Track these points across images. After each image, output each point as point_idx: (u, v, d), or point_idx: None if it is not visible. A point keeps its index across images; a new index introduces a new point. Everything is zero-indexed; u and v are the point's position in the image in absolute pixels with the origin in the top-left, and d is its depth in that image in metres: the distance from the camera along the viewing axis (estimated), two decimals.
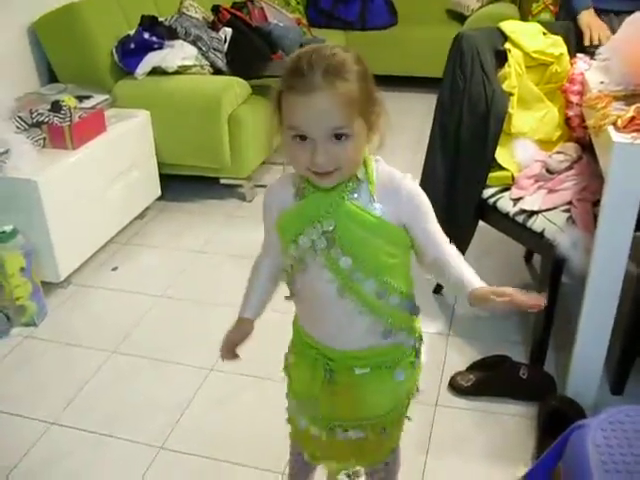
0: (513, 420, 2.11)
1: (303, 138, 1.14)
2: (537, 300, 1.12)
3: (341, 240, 1.22)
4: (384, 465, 1.55)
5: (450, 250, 1.28)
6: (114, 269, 3.03)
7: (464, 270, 1.25)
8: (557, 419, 1.94)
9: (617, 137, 1.75)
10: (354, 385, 1.37)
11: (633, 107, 1.82)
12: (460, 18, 4.99)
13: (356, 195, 1.23)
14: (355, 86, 1.13)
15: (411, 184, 1.25)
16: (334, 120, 1.12)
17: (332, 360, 1.35)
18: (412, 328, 1.38)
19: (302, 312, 1.41)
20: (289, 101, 1.13)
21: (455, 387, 2.22)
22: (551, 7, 4.68)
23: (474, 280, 1.23)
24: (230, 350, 1.45)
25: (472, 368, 2.26)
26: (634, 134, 1.74)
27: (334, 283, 1.25)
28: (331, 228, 1.22)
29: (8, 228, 2.53)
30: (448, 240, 1.29)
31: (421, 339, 1.42)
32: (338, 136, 1.13)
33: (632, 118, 1.78)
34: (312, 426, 1.44)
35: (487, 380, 2.20)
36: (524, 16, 4.67)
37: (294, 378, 1.46)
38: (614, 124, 1.80)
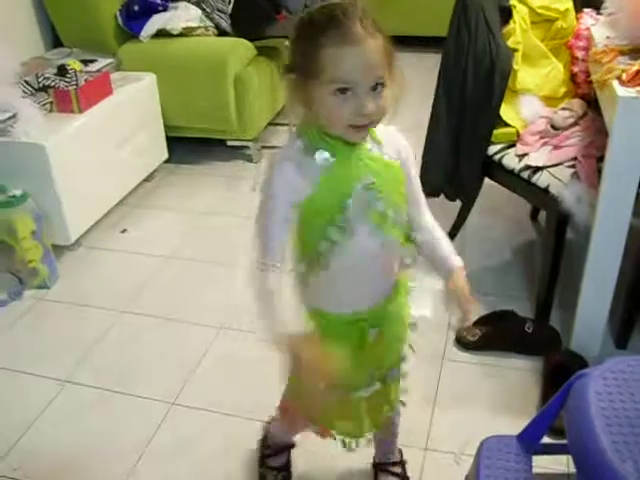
0: (518, 374, 2.14)
1: (343, 91, 1.13)
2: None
3: (382, 192, 1.25)
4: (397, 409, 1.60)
5: (430, 218, 1.39)
6: (123, 231, 3.05)
7: (444, 243, 1.38)
8: (562, 373, 1.96)
9: (622, 91, 1.75)
10: (395, 322, 1.42)
11: (639, 61, 1.81)
12: None
13: (370, 146, 1.27)
14: (383, 38, 1.15)
15: (401, 136, 1.33)
16: (379, 69, 1.14)
17: (379, 318, 1.37)
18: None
19: (335, 289, 1.34)
20: (332, 54, 1.11)
21: (461, 342, 2.26)
22: None
23: (453, 258, 1.37)
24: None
25: (478, 323, 2.28)
26: (639, 88, 1.74)
27: (381, 237, 1.27)
28: (370, 181, 1.23)
29: (18, 192, 2.56)
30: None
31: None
32: (375, 87, 1.14)
33: (637, 72, 1.77)
34: (364, 388, 1.43)
35: (493, 334, 2.23)
36: None
37: None
38: (619, 78, 1.80)
